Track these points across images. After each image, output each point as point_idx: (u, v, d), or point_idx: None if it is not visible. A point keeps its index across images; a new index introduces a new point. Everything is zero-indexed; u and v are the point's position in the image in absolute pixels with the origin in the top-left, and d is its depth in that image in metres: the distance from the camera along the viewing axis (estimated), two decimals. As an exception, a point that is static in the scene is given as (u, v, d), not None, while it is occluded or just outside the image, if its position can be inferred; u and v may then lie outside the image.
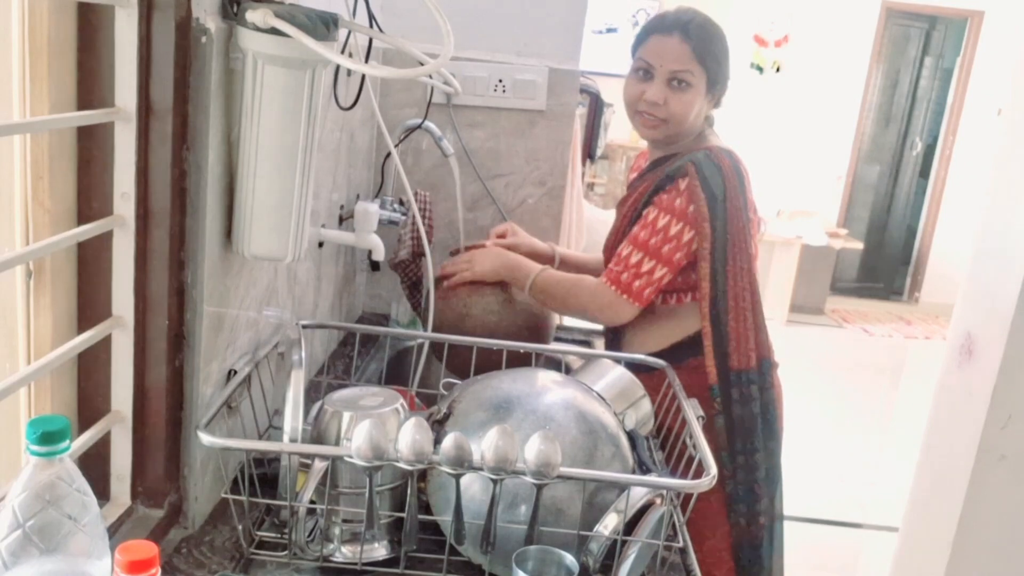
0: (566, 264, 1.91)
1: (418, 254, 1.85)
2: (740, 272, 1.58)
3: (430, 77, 1.70)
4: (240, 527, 1.05)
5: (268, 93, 1.00)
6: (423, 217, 1.86)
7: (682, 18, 1.60)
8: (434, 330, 1.65)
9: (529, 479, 0.95)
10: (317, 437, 1.06)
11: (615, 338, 1.79)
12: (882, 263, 7.26)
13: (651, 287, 1.57)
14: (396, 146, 1.89)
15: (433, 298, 1.72)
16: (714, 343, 1.60)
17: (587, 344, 2.04)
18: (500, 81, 2.00)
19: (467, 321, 1.66)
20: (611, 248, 1.74)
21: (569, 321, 2.34)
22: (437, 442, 0.99)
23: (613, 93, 2.19)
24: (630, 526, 1.02)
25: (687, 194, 1.55)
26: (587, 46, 2.07)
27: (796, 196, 6.56)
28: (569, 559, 0.93)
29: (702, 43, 1.58)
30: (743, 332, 1.60)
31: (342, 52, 1.34)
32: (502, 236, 1.82)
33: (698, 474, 1.06)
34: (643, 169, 1.77)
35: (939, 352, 2.16)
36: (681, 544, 1.12)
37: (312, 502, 1.01)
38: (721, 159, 1.58)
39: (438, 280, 1.72)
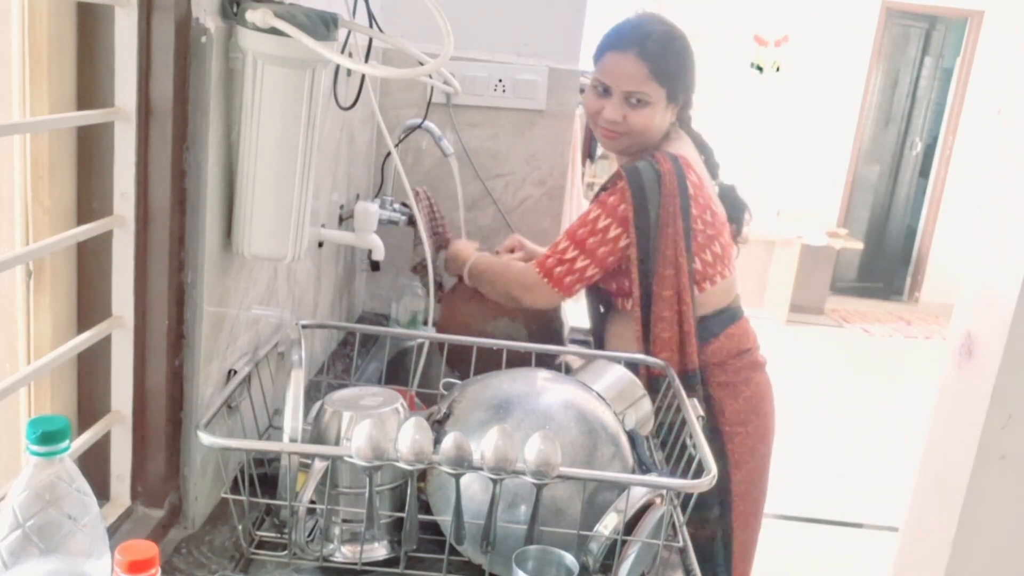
0: None
1: (441, 248, 1.86)
2: (665, 281, 1.56)
3: (430, 77, 1.70)
4: (240, 527, 1.05)
5: (268, 93, 1.00)
6: (434, 214, 1.86)
7: (639, 32, 1.57)
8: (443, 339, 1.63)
9: (529, 479, 0.96)
10: (317, 437, 1.06)
11: (596, 341, 1.80)
12: (882, 263, 7.26)
13: (574, 277, 1.57)
14: (396, 146, 1.89)
15: (433, 297, 1.72)
16: (643, 348, 1.58)
17: (587, 344, 2.04)
18: (500, 81, 2.00)
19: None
20: None
21: (573, 322, 2.34)
22: (437, 442, 0.99)
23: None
24: (630, 526, 1.02)
25: (619, 194, 1.55)
26: (587, 45, 2.06)
27: (796, 196, 6.56)
28: (569, 559, 0.93)
29: (658, 61, 1.55)
30: (666, 341, 1.58)
31: (342, 52, 1.34)
32: (511, 251, 1.82)
33: (698, 474, 1.06)
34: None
35: (939, 352, 2.16)
36: (681, 544, 1.12)
37: (312, 502, 1.01)
38: (663, 163, 1.55)
39: (440, 286, 1.72)
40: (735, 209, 1.74)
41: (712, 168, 1.71)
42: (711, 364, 1.64)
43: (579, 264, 1.57)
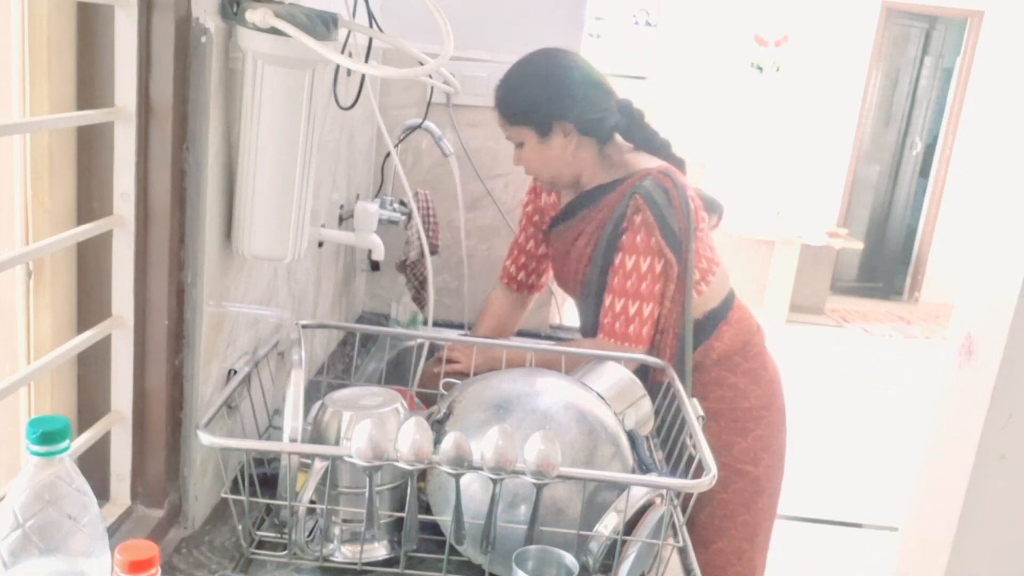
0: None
1: (430, 253, 1.86)
2: (678, 289, 1.60)
3: (430, 77, 1.70)
4: (240, 527, 1.05)
5: (268, 93, 1.00)
6: (428, 217, 1.87)
7: (497, 85, 1.63)
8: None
9: (529, 479, 0.95)
10: (317, 437, 1.06)
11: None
12: (882, 263, 7.26)
13: (646, 325, 1.58)
14: (396, 146, 1.89)
15: (433, 297, 1.72)
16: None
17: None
18: (500, 81, 2.00)
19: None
20: (570, 276, 1.72)
21: (567, 321, 2.34)
22: (437, 442, 0.99)
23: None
24: (630, 526, 1.02)
25: (643, 228, 1.56)
26: (585, 45, 2.06)
27: (796, 196, 6.56)
28: (569, 559, 0.93)
29: (504, 107, 1.61)
30: (662, 346, 1.62)
31: (342, 52, 1.34)
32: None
33: (698, 474, 1.06)
34: (567, 201, 1.72)
35: (939, 352, 2.16)
36: (681, 544, 1.12)
37: (312, 502, 1.01)
38: (664, 182, 1.57)
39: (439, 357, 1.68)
40: (713, 206, 1.75)
41: (679, 166, 1.70)
42: (732, 352, 1.68)
43: (645, 312, 1.58)
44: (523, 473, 0.95)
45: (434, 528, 1.08)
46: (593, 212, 1.64)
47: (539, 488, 0.96)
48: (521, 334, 1.96)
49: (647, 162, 1.63)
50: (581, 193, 1.68)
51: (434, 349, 1.73)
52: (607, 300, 1.60)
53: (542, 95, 1.59)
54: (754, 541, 1.72)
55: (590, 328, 1.68)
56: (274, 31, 0.95)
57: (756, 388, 1.69)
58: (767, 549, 1.78)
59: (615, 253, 1.59)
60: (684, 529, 1.14)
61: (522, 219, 1.86)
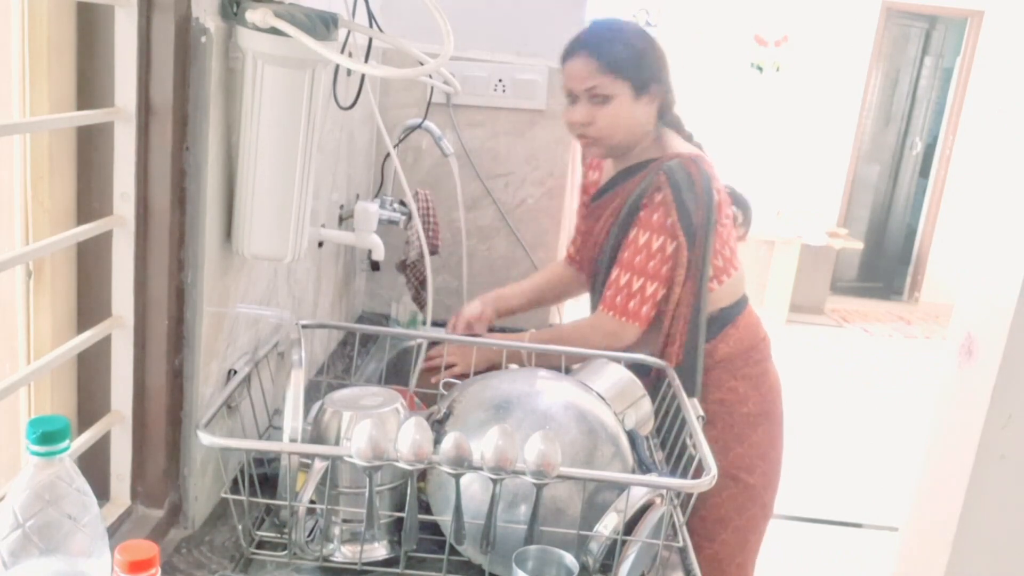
0: (506, 300, 1.84)
1: (430, 253, 1.86)
2: (690, 278, 1.59)
3: (430, 77, 1.70)
4: (240, 527, 1.05)
5: (268, 93, 1.00)
6: (428, 216, 1.87)
7: (586, 34, 1.60)
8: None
9: (529, 479, 0.95)
10: (317, 437, 1.06)
11: None
12: (882, 263, 7.26)
13: (647, 304, 1.57)
14: (395, 146, 1.89)
15: (431, 297, 1.73)
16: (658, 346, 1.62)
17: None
18: (500, 81, 2.00)
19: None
20: (589, 250, 1.72)
21: (568, 319, 2.34)
22: (437, 442, 0.99)
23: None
24: (630, 526, 1.02)
25: (662, 208, 1.55)
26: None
27: (796, 196, 6.56)
28: (569, 559, 0.93)
29: (607, 54, 1.55)
30: (673, 335, 1.61)
31: (342, 52, 1.34)
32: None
33: (698, 474, 1.06)
34: (610, 176, 1.72)
35: (939, 352, 2.16)
36: (681, 544, 1.12)
37: (312, 502, 1.01)
38: (690, 167, 1.56)
39: (425, 370, 1.65)
40: (744, 206, 1.75)
41: None
42: (735, 356, 1.67)
43: (648, 290, 1.57)
44: (523, 473, 0.95)
45: (434, 528, 1.08)
46: (622, 188, 1.65)
47: (539, 488, 0.96)
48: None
49: (683, 147, 1.64)
50: (622, 169, 1.67)
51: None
52: (614, 273, 1.60)
53: (650, 52, 1.58)
54: (746, 546, 1.71)
55: (597, 306, 1.68)
56: (274, 31, 0.95)
57: (756, 394, 1.68)
58: (757, 553, 1.77)
59: (630, 228, 1.59)
60: (684, 529, 1.14)
61: (580, 198, 1.87)
